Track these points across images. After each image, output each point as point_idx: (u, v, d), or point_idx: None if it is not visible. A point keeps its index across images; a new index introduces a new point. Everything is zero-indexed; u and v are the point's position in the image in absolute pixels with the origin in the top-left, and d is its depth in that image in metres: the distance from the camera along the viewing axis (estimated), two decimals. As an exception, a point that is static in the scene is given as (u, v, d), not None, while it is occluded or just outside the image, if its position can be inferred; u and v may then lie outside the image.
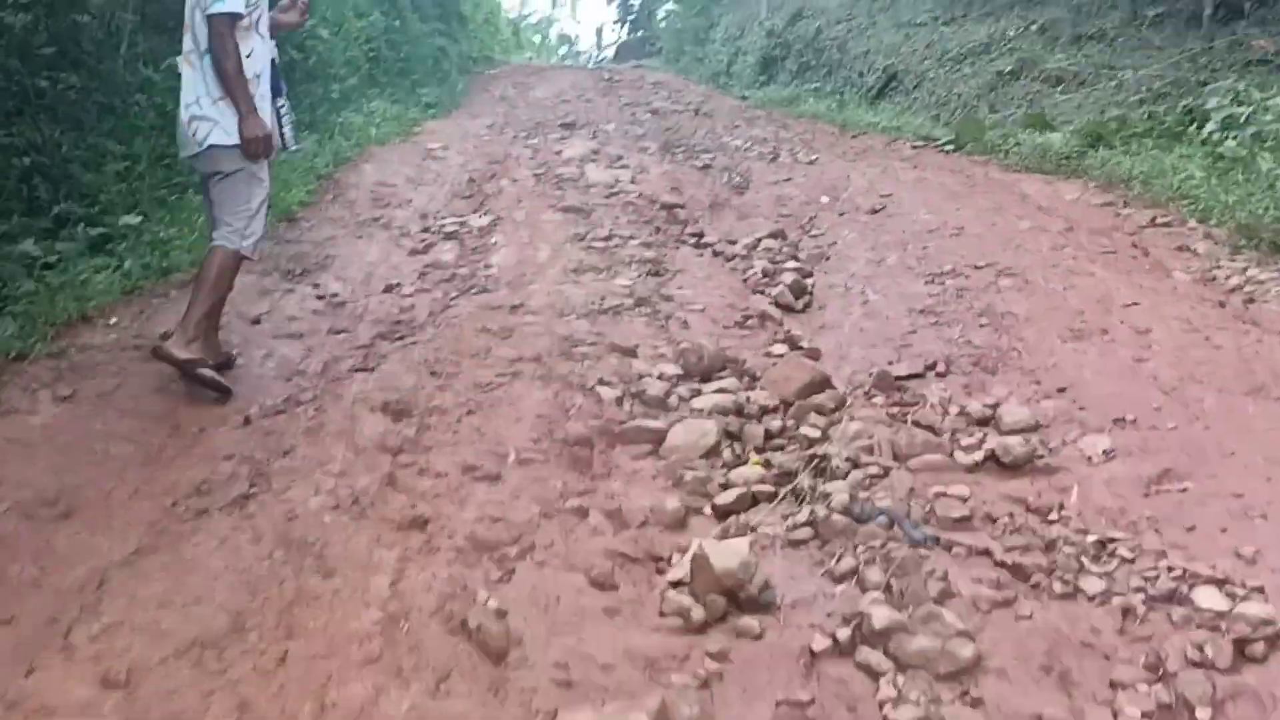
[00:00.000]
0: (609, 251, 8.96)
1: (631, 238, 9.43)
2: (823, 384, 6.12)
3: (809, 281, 8.62)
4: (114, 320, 6.61)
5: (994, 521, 4.84)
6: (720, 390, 6.23)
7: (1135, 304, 7.34)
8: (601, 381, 6.08)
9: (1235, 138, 10.72)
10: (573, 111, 19.22)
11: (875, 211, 10.89)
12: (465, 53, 27.00)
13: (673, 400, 6.08)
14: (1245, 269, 8.07)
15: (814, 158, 14.24)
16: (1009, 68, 17.79)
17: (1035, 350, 6.73)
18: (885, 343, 7.20)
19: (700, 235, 10.22)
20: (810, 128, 17.92)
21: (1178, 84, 15.08)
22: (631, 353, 6.69)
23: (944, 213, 10.38)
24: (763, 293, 8.42)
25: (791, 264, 9.07)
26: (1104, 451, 5.44)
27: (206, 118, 5.58)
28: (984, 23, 21.02)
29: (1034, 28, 19.42)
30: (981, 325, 7.24)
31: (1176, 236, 9.05)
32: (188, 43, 5.62)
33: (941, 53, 20.06)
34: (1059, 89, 16.81)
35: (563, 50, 56.31)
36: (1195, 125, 12.30)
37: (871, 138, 16.36)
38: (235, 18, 5.46)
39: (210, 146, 5.58)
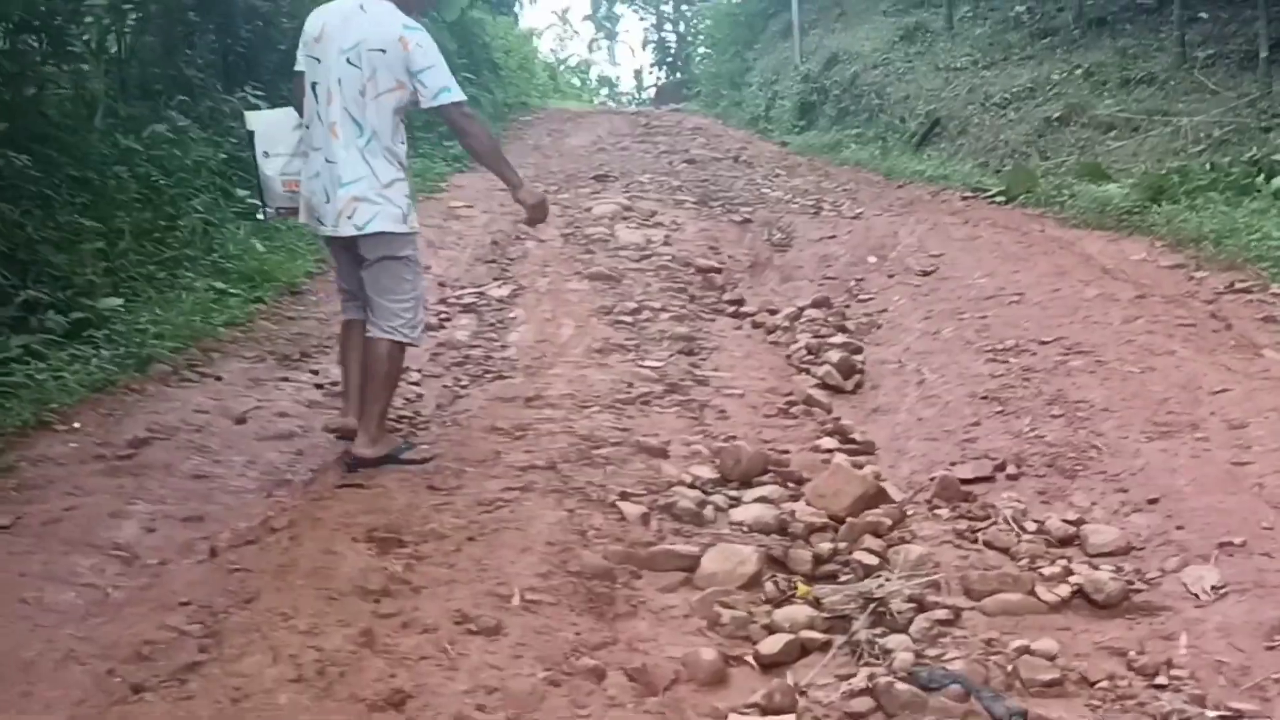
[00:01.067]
0: (638, 326, 8.15)
1: (663, 309, 8.60)
2: (878, 497, 5.25)
3: (858, 358, 7.80)
4: (77, 425, 5.80)
5: (1091, 685, 3.95)
6: (761, 499, 5.39)
7: (1225, 390, 6.42)
8: (625, 495, 5.23)
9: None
10: (607, 161, 18.44)
11: (927, 274, 10.02)
12: (499, 100, 26.28)
13: (708, 512, 5.25)
14: (1343, 345, 7.16)
15: (859, 211, 13.37)
16: (1057, 113, 16.89)
17: (1117, 449, 5.84)
18: (946, 436, 6.33)
19: (739, 303, 9.40)
20: (853, 177, 17.08)
21: (1239, 131, 14.16)
22: (661, 453, 5.84)
23: (1001, 276, 9.49)
24: (808, 372, 7.61)
25: (838, 337, 8.26)
26: (1213, 587, 4.54)
27: (370, 200, 5.31)
28: (1025, 66, 20.13)
29: (1079, 72, 18.51)
30: (1054, 416, 6.35)
31: (1259, 305, 8.13)
32: (335, 114, 5.30)
33: (985, 98, 19.18)
34: (1111, 135, 15.90)
35: (604, 92, 55.71)
36: (1263, 176, 11.37)
37: (917, 188, 15.49)
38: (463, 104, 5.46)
39: (377, 233, 5.34)
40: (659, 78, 51.14)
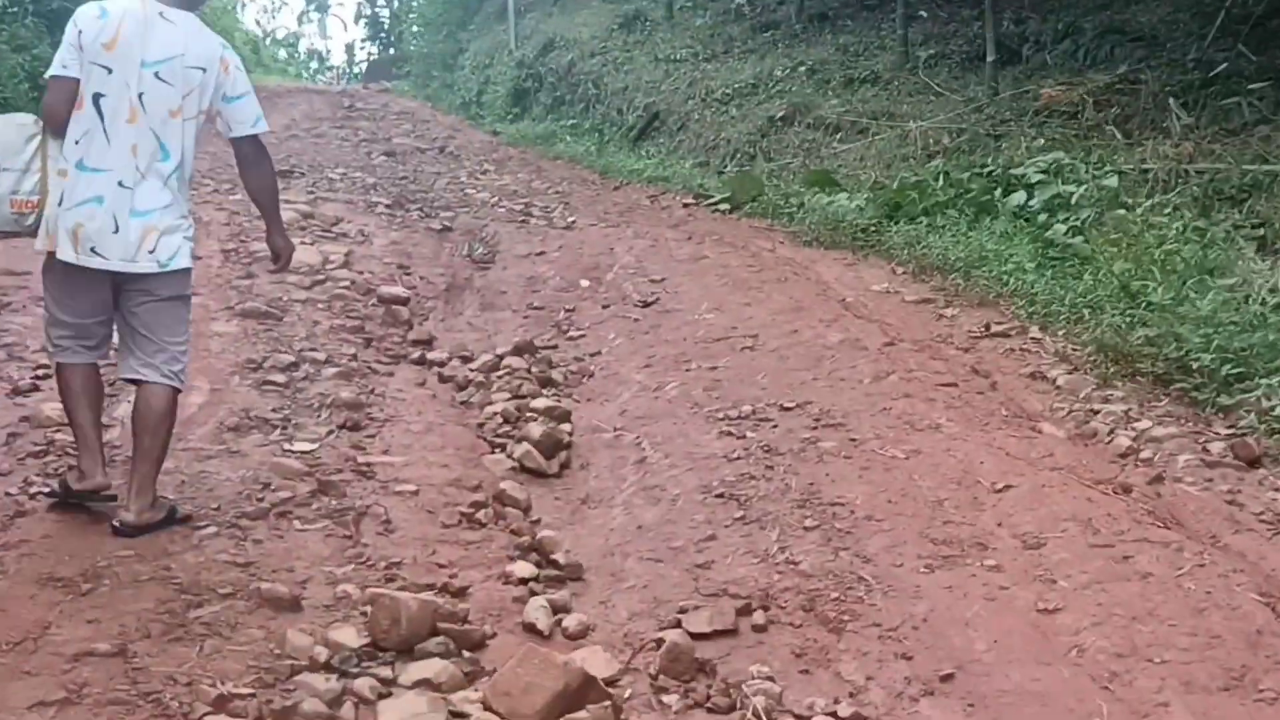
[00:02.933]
0: (293, 389, 6.42)
1: (329, 361, 6.89)
2: (582, 691, 3.68)
3: (565, 428, 6.24)
4: None
5: None
6: (424, 682, 3.78)
7: (1009, 487, 5.16)
8: (223, 699, 3.50)
9: (1066, 221, 8.71)
10: (298, 152, 16.41)
11: (647, 304, 8.59)
12: (191, 76, 23.79)
13: (345, 713, 3.58)
14: (1127, 414, 6.05)
15: (571, 219, 11.87)
16: (781, 112, 15.76)
17: (891, 584, 4.47)
18: (673, 555, 4.85)
19: (426, 344, 7.78)
20: (567, 174, 15.59)
21: (970, 138, 13.24)
22: (292, 604, 4.17)
23: (731, 310, 8.14)
24: (503, 449, 6.01)
25: (541, 398, 6.69)
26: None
27: (173, 232, 4.76)
28: (747, 61, 19.05)
29: (803, 69, 17.47)
30: (807, 527, 4.95)
31: (1022, 356, 7.01)
32: (136, 133, 4.59)
33: (706, 92, 17.97)
34: (837, 138, 14.84)
35: (314, 67, 52.99)
36: (1000, 192, 10.34)
37: (636, 190, 14.11)
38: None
39: (177, 269, 4.82)
40: (370, 53, 48.91)
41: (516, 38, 25.28)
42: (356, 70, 48.71)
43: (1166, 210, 8.62)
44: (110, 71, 4.59)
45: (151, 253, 4.66)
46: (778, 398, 6.41)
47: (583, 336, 8.15)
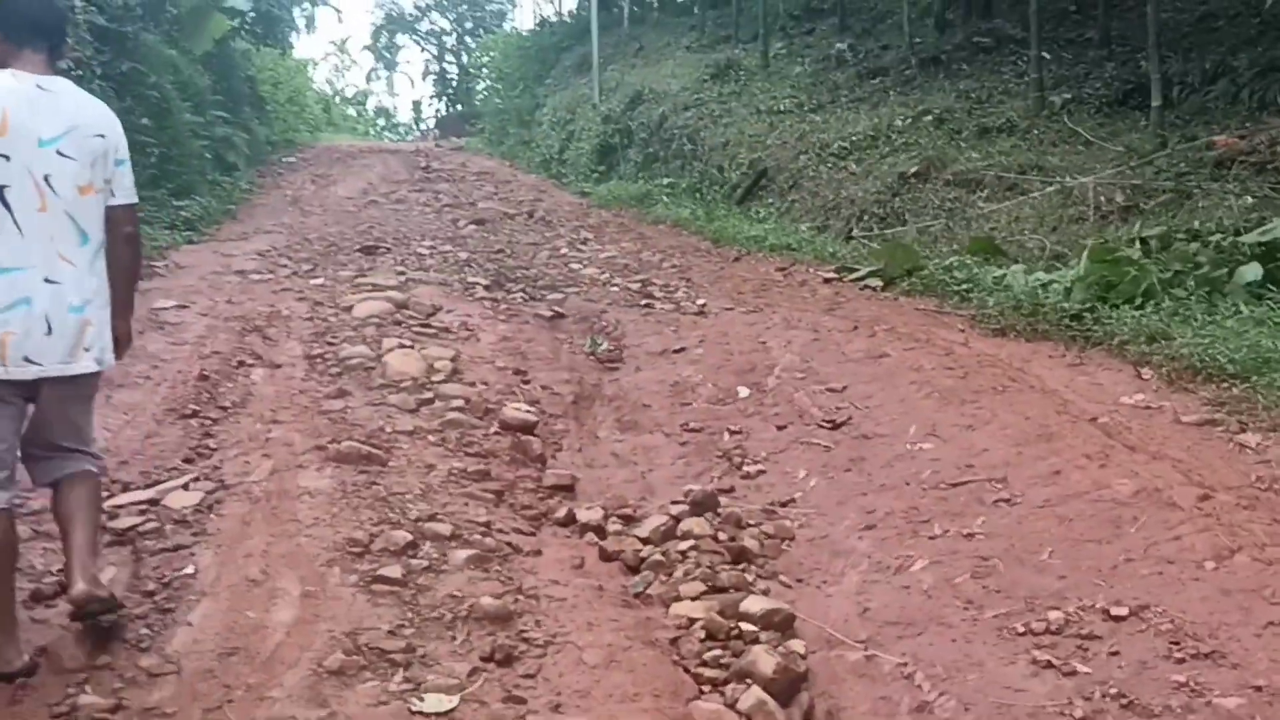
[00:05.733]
0: (413, 587, 4.52)
1: (456, 536, 4.97)
2: None
3: (796, 648, 4.26)
4: None
5: None
6: None
7: None
8: None
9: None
10: (379, 221, 14.62)
11: (837, 425, 6.65)
12: (262, 139, 22.19)
13: None
14: None
15: (701, 301, 9.92)
16: (913, 168, 13.74)
17: None
18: None
19: (569, 492, 5.88)
20: (676, 242, 13.66)
21: (1144, 193, 11.22)
22: None
23: (953, 437, 6.17)
24: (717, 688, 4.06)
25: (743, 574, 4.76)
26: None
27: (103, 324, 4.17)
28: (859, 110, 17.12)
29: (927, 118, 15.50)
30: None
31: None
32: (53, 221, 3.99)
33: (819, 146, 16.03)
34: (982, 195, 12.82)
35: (381, 123, 51.72)
36: (1226, 271, 8.32)
37: (760, 261, 12.15)
38: None
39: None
40: (438, 110, 47.59)
41: (600, 91, 23.45)
42: (424, 128, 47.39)
43: None
44: (7, 159, 3.92)
45: (88, 350, 4.08)
46: (1090, 594, 4.40)
47: (762, 473, 6.21)
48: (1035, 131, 14.24)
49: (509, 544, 5.02)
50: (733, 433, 6.78)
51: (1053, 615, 4.27)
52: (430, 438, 6.25)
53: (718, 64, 21.29)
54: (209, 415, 6.48)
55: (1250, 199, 9.94)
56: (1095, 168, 12.30)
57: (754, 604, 4.52)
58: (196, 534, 4.90)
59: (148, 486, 5.39)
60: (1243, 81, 13.28)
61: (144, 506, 5.14)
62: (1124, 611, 4.22)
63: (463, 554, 4.78)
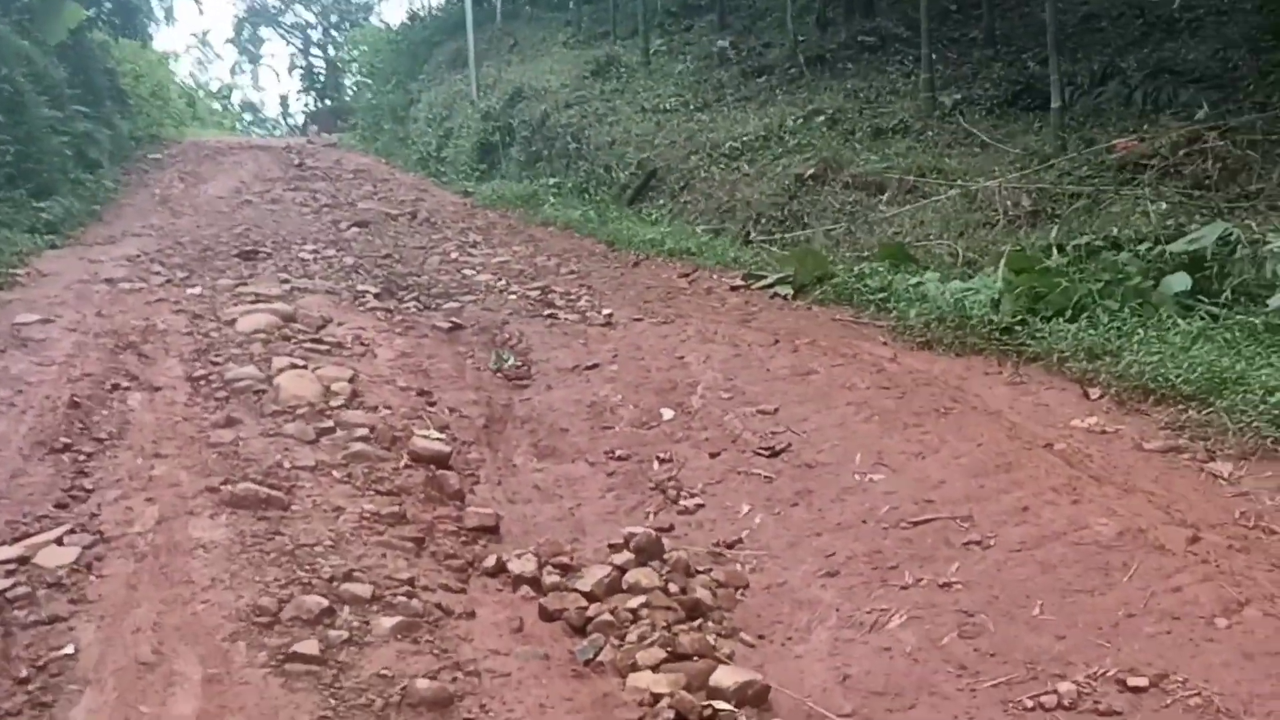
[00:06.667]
0: (335, 664, 3.88)
1: (378, 599, 4.30)
2: None
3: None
4: None
5: None
6: None
7: None
8: None
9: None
10: (256, 222, 13.74)
11: (775, 453, 6.10)
12: (126, 134, 21.02)
13: None
14: None
15: (607, 311, 9.32)
16: (809, 170, 13.28)
17: None
18: None
19: (494, 534, 5.26)
20: (570, 245, 13.04)
21: (1055, 199, 10.91)
22: None
23: (904, 467, 5.69)
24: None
25: (713, 638, 4.19)
26: None
27: None
28: (747, 110, 16.64)
29: (819, 118, 15.08)
30: None
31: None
32: None
33: (709, 146, 15.52)
34: (881, 198, 12.43)
35: (247, 119, 50.14)
36: (1154, 281, 8.00)
37: (661, 267, 11.59)
38: None
39: None
40: (307, 104, 46.29)
41: (477, 87, 22.68)
42: (292, 124, 46.05)
43: None
44: None
45: None
46: (1096, 658, 3.92)
47: (701, 508, 5.65)
48: (930, 133, 13.91)
49: (438, 605, 4.38)
50: (662, 461, 6.21)
51: (1062, 687, 3.77)
52: (335, 473, 5.56)
53: (597, 60, 20.71)
54: (83, 449, 5.71)
55: (1164, 204, 9.64)
56: (995, 171, 11.99)
57: (725, 677, 3.94)
58: (75, 601, 4.17)
59: (15, 540, 4.62)
60: (1134, 83, 13.11)
61: (12, 566, 4.38)
62: (1143, 682, 3.73)
63: (387, 621, 4.12)
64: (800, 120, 15.09)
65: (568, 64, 21.70)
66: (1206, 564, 4.43)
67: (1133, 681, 3.74)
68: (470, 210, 16.46)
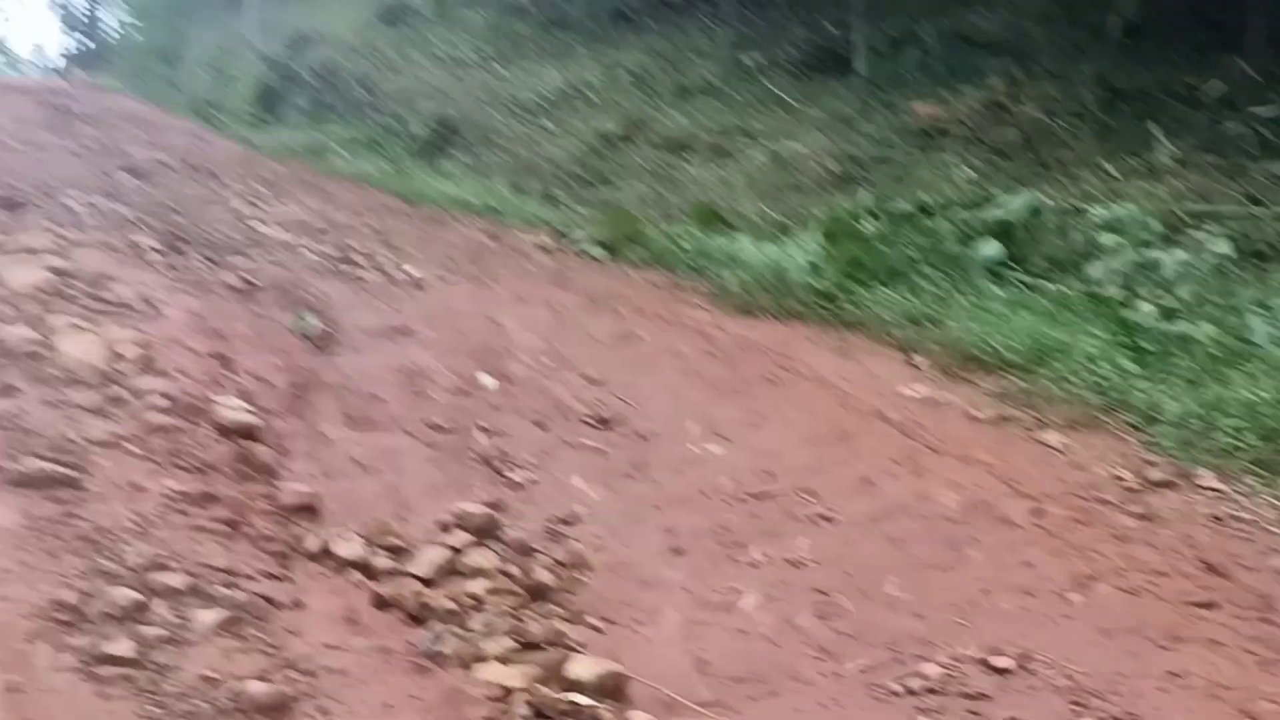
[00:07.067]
0: (150, 665, 3.54)
1: (196, 591, 3.96)
2: None
3: (641, 724, 3.56)
4: None
5: None
6: None
7: None
8: None
9: (1144, 292, 6.42)
10: (14, 169, 12.76)
11: (605, 422, 5.91)
12: None
13: None
14: None
15: (416, 273, 8.96)
16: (616, 128, 13.12)
17: None
18: None
19: (312, 515, 4.94)
20: (366, 200, 12.56)
21: (861, 164, 11.01)
22: None
23: (740, 436, 5.62)
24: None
25: (561, 624, 3.99)
26: None
27: None
28: (547, 64, 16.38)
29: (624, 75, 14.93)
30: None
31: (1241, 529, 4.64)
32: None
33: (509, 100, 15.21)
34: (689, 159, 12.36)
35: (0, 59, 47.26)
36: (967, 248, 8.11)
37: (463, 223, 11.26)
38: None
39: None
40: (67, 45, 43.90)
41: (259, 30, 21.78)
42: (49, 61, 43.63)
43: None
44: None
45: None
46: (957, 637, 3.87)
47: (534, 483, 5.42)
48: (734, 94, 13.90)
49: (262, 596, 4.06)
50: (486, 431, 5.95)
51: (927, 669, 3.70)
52: (133, 448, 5.12)
53: (386, 6, 20.10)
54: None
55: (970, 171, 9.79)
56: (798, 133, 12.03)
57: (582, 667, 3.75)
58: None
59: None
60: (932, 50, 13.32)
61: None
62: (1007, 663, 3.69)
63: (209, 616, 3.79)
64: (604, 78, 14.89)
65: (354, 9, 21.00)
66: (1053, 538, 4.45)
67: (997, 662, 3.70)
68: (254, 160, 15.72)
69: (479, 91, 15.85)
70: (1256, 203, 7.74)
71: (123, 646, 3.52)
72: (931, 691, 3.61)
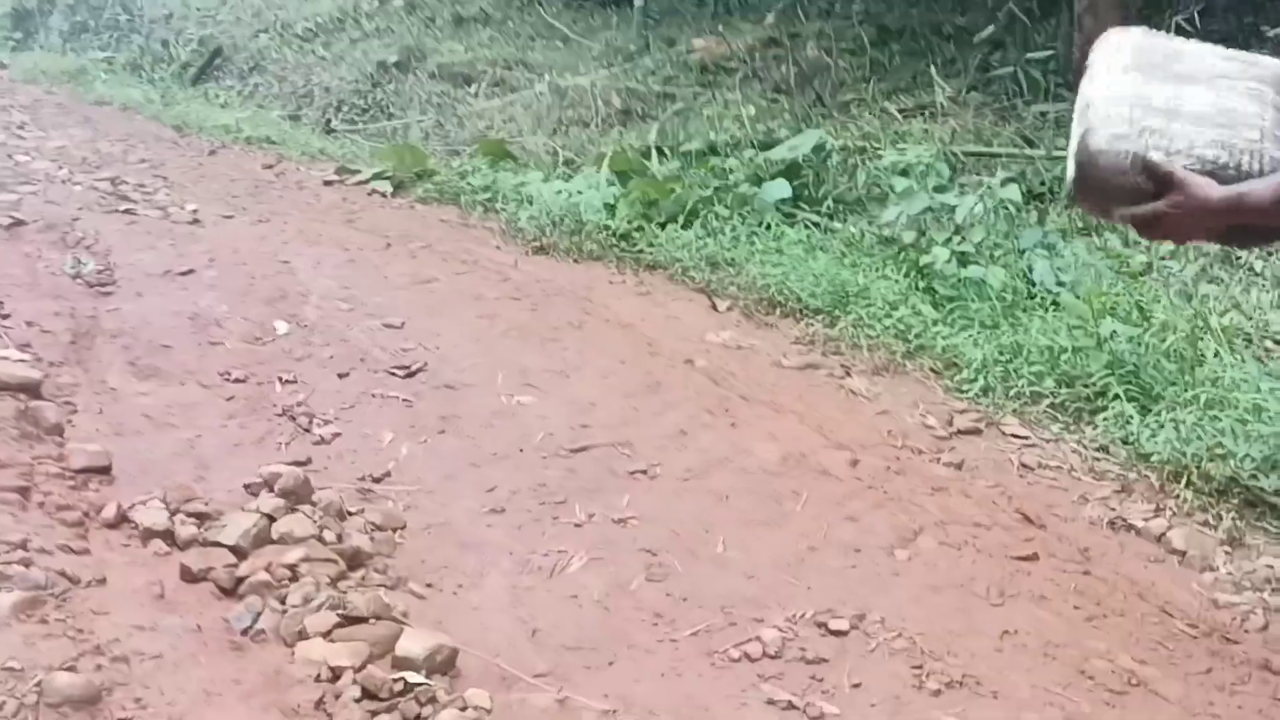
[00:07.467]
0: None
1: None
2: None
3: (481, 703, 3.35)
4: None
5: None
6: None
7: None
8: None
9: (937, 236, 6.42)
10: None
11: (411, 372, 5.63)
12: None
13: None
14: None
15: (192, 207, 8.43)
16: (393, 57, 12.62)
17: None
18: None
19: (106, 476, 4.54)
20: (134, 129, 11.80)
21: (643, 99, 10.83)
22: None
23: (549, 385, 5.41)
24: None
25: (378, 589, 3.75)
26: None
27: None
28: (322, -10, 15.61)
29: (398, 2, 14.34)
30: None
31: (1050, 477, 4.70)
32: None
33: (280, 25, 14.47)
34: (470, 91, 11.97)
35: None
36: (754, 181, 8.04)
37: (240, 156, 10.67)
38: None
39: None
40: None
41: (6, -55, 20.18)
42: None
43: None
44: None
45: None
46: (791, 599, 3.77)
47: (338, 436, 5.09)
48: (511, 24, 13.52)
49: (61, 573, 3.66)
50: (285, 382, 5.58)
51: (765, 634, 3.58)
52: None
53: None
54: None
55: (750, 110, 9.70)
56: (579, 66, 11.77)
57: (412, 643, 3.50)
58: None
59: None
60: (708, -16, 13.21)
61: None
62: (843, 624, 3.60)
63: (6, 598, 3.40)
64: (377, 4, 14.29)
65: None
66: (873, 489, 4.39)
67: (833, 624, 3.60)
68: (8, 85, 14.62)
69: (247, 15, 15.04)
70: (1031, 144, 7.86)
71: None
72: (770, 657, 3.49)
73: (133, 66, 15.23)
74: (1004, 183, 6.58)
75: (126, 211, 8.29)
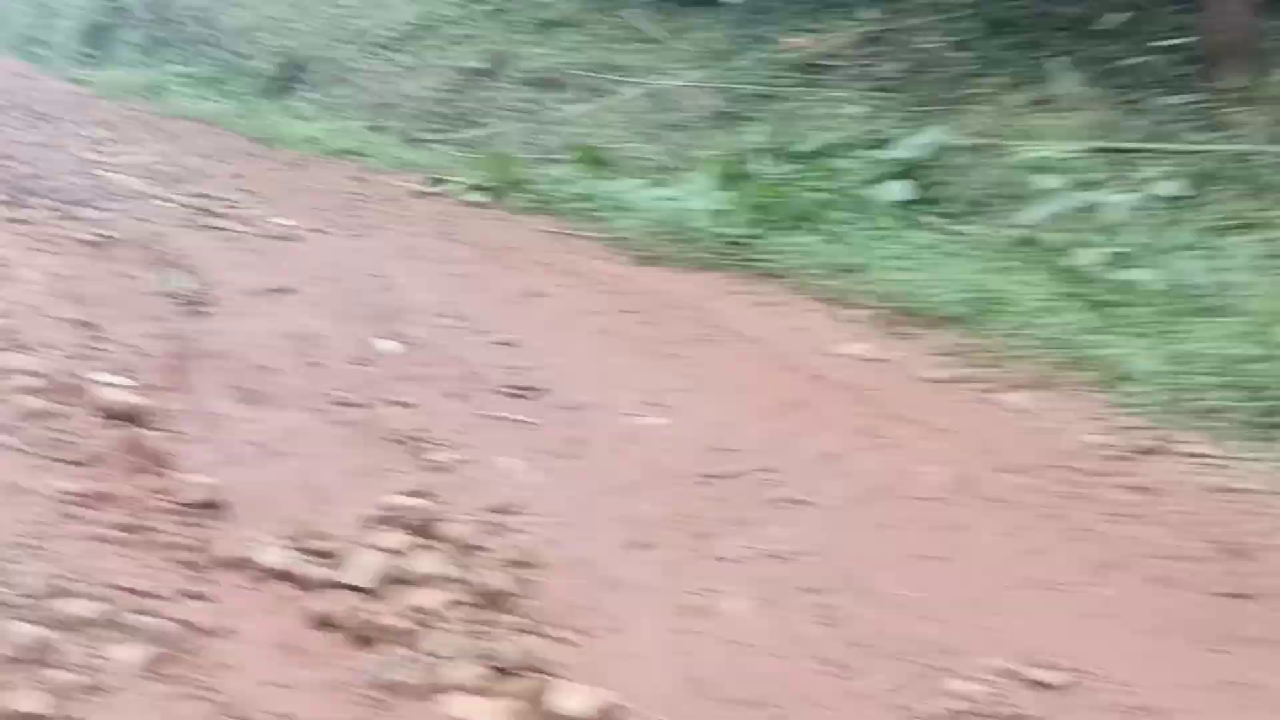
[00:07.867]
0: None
1: (108, 619, 3.30)
2: None
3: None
4: None
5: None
6: None
7: None
8: None
9: (1084, 237, 6.02)
10: None
11: (525, 392, 5.31)
12: None
13: None
14: None
15: (288, 222, 8.19)
16: (478, 63, 12.36)
17: None
18: None
19: (215, 511, 4.27)
20: (217, 142, 11.64)
21: (743, 100, 10.49)
22: None
23: (681, 406, 5.07)
24: None
25: (524, 637, 3.44)
26: None
27: None
28: (398, -4, 15.42)
29: (482, 7, 14.10)
30: None
31: (1250, 510, 4.27)
32: None
33: (359, 35, 14.27)
34: (559, 96, 11.68)
35: None
36: (871, 182, 7.67)
37: (324, 167, 10.44)
38: None
39: None
40: None
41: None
42: None
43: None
44: None
45: None
46: (982, 645, 3.39)
47: (461, 464, 4.79)
48: (591, 27, 13.21)
49: (186, 622, 3.38)
50: (397, 405, 5.29)
51: (961, 687, 3.21)
52: (6, 440, 4.38)
53: (221, -62, 18.79)
54: None
55: (858, 108, 9.32)
56: (670, 69, 11.44)
57: (567, 698, 3.18)
58: None
59: None
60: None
61: None
62: (1056, 678, 3.22)
63: (131, 654, 3.12)
64: (461, 9, 14.06)
65: (186, -61, 19.63)
66: (1053, 518, 4.01)
67: (1041, 676, 3.22)
68: (88, 101, 14.55)
69: (324, 24, 14.85)
70: (1167, 139, 7.42)
71: (35, 700, 2.85)
72: (977, 715, 3.12)
73: (211, 80, 15.10)
74: (1154, 179, 6.16)
75: (216, 227, 8.07)
